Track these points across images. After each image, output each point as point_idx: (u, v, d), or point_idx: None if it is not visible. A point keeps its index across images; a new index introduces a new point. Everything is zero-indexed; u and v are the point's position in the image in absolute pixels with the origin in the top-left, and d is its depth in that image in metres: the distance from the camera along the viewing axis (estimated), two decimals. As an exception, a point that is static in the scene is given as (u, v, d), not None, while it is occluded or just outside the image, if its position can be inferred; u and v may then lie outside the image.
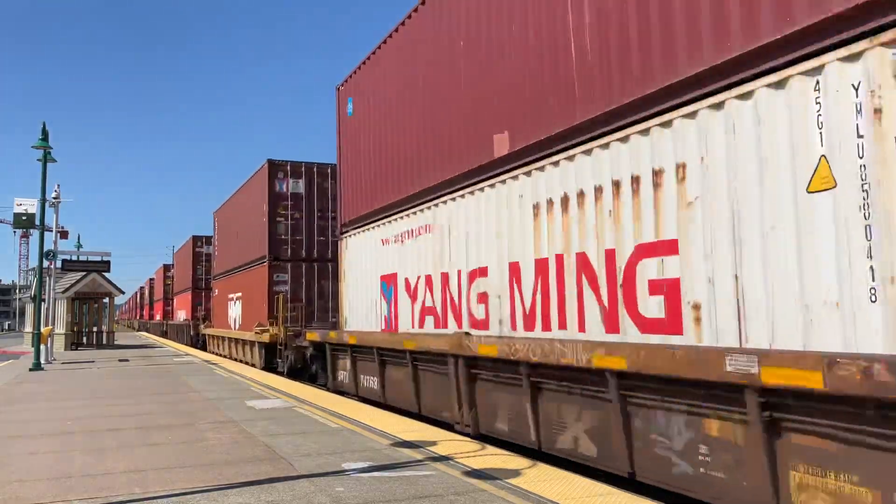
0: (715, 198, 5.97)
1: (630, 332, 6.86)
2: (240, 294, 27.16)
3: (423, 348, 10.78)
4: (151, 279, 71.46)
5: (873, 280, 4.73)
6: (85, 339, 39.19)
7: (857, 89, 4.86)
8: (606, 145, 7.27)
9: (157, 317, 63.97)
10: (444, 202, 10.89)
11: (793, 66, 5.34)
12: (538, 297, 8.32)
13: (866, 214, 4.78)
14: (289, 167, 23.05)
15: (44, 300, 25.58)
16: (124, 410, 12.26)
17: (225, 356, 29.47)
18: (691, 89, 6.24)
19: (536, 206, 8.44)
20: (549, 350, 7.59)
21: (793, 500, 5.28)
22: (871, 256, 4.76)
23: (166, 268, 57.10)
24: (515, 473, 6.96)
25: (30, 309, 41.94)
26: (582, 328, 7.57)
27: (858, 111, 4.85)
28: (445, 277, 10.72)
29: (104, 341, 38.46)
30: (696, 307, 6.12)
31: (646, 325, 6.68)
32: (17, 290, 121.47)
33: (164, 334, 56.86)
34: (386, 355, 12.71)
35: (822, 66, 5.11)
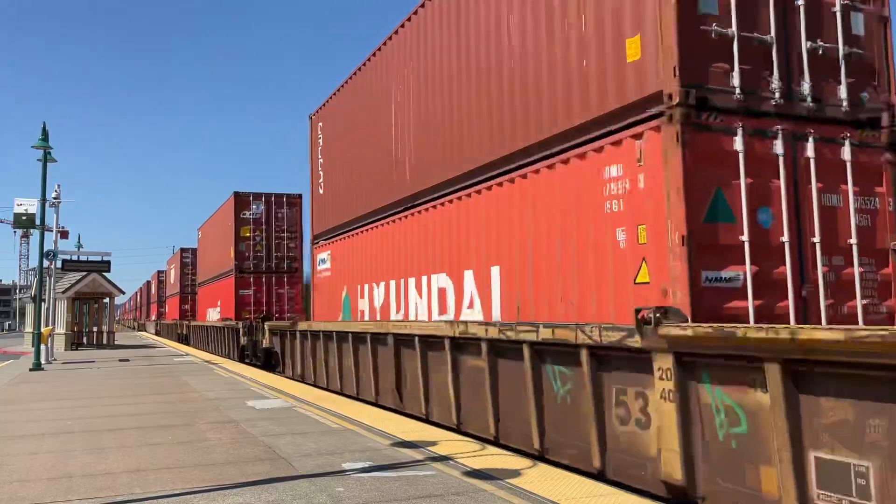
0: None
1: None
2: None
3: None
4: (185, 252, 47.31)
5: None
6: (85, 340, 39.20)
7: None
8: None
9: (215, 314, 32.67)
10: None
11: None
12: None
13: None
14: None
15: (44, 300, 25.60)
16: (125, 410, 12.27)
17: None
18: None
19: None
20: None
21: None
22: None
23: (239, 199, 28.41)
24: (515, 473, 6.96)
25: (30, 309, 41.93)
26: None
27: None
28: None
29: (104, 341, 38.47)
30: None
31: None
32: (18, 290, 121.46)
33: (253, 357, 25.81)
34: None
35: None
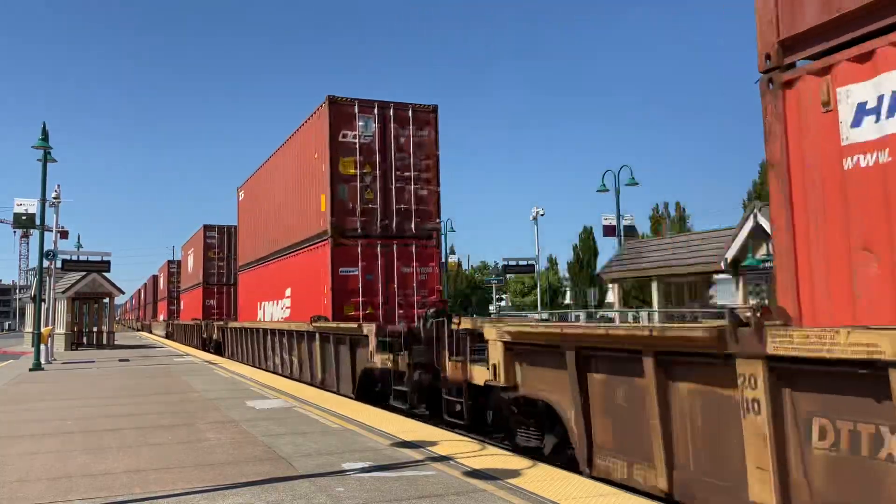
0: None
1: None
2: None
3: None
4: (210, 231, 36.39)
5: None
6: (85, 340, 39.20)
7: None
8: None
9: (279, 311, 21.15)
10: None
11: None
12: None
13: None
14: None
15: (44, 300, 25.60)
16: (125, 410, 12.26)
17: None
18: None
19: None
20: None
21: None
22: None
23: (338, 111, 16.57)
24: (515, 473, 6.96)
25: (30, 309, 41.96)
26: None
27: None
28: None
29: (104, 341, 38.47)
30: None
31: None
32: (17, 290, 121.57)
33: None
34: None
35: None
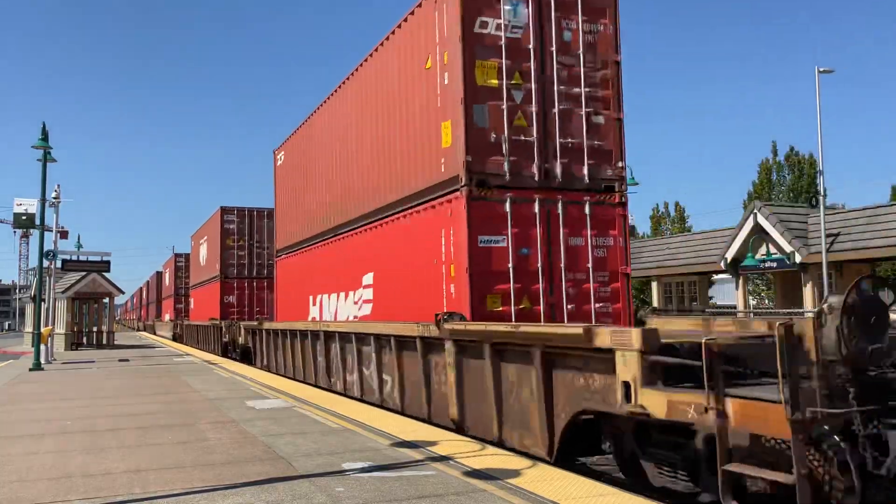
0: None
1: None
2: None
3: None
4: (228, 213, 31.11)
5: None
6: (85, 339, 39.21)
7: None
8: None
9: (348, 308, 15.18)
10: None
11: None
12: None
13: None
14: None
15: (44, 300, 25.60)
16: (124, 410, 12.27)
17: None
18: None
19: None
20: None
21: None
22: None
23: None
24: (515, 473, 6.96)
25: (30, 309, 41.98)
26: None
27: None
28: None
29: (104, 341, 38.46)
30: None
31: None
32: (17, 290, 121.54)
33: None
34: None
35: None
